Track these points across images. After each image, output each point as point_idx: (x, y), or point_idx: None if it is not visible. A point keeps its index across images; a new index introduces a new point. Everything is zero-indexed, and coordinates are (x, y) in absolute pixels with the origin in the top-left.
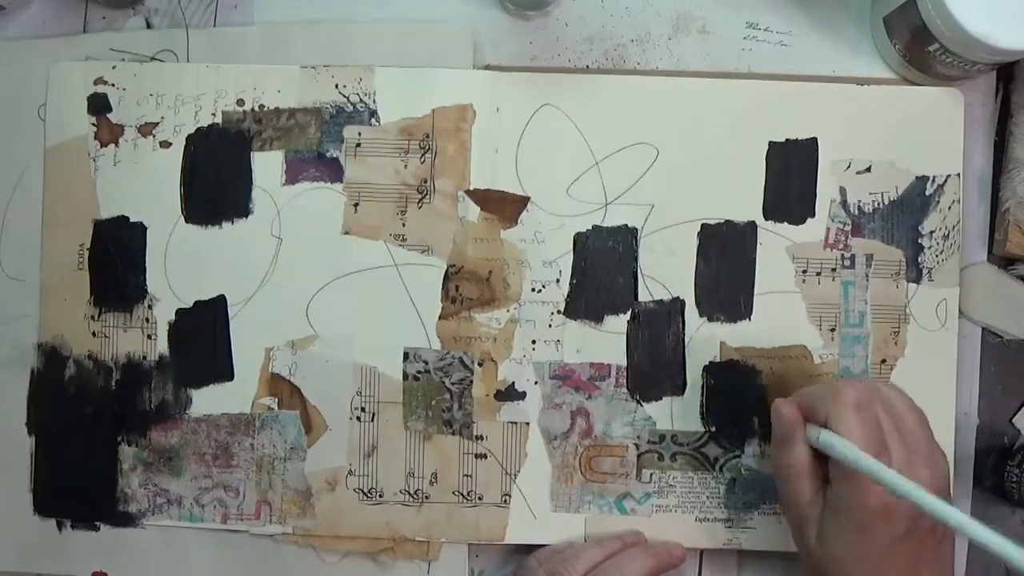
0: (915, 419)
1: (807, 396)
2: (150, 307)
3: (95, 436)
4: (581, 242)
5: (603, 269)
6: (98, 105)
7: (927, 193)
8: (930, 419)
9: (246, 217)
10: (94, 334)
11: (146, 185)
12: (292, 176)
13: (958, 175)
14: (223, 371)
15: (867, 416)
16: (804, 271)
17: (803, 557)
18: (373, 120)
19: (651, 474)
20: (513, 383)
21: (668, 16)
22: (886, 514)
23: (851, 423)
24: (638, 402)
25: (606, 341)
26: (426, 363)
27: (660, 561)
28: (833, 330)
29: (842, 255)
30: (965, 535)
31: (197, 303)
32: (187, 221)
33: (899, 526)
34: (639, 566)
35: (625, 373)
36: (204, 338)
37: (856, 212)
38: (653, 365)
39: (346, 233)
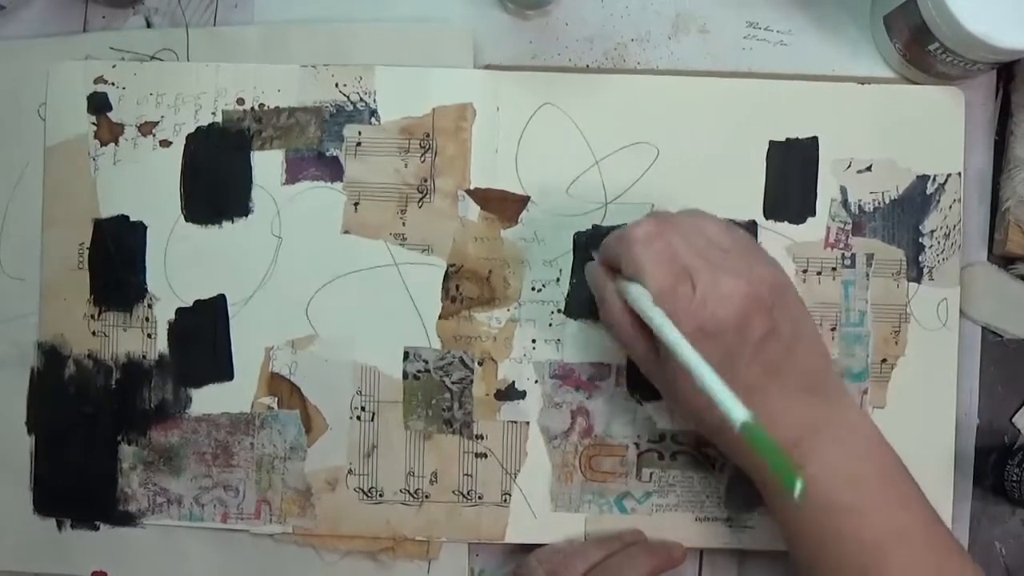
0: (723, 234)
1: (603, 248)
2: (150, 306)
3: (95, 435)
4: (581, 242)
5: None
6: (98, 104)
7: (928, 192)
8: (931, 418)
9: (246, 216)
10: (94, 333)
11: (146, 184)
12: (292, 175)
13: (959, 174)
14: (223, 370)
15: (658, 249)
16: (804, 270)
17: (659, 387)
18: (373, 119)
19: (651, 473)
20: (513, 382)
21: (668, 16)
22: (704, 333)
23: (641, 261)
24: (638, 401)
25: (606, 340)
26: (426, 362)
27: (660, 561)
28: (834, 329)
29: (842, 254)
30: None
31: (197, 302)
32: (187, 220)
33: (726, 338)
34: (639, 565)
35: (625, 372)
36: (204, 337)
37: (857, 211)
38: None
39: (346, 232)
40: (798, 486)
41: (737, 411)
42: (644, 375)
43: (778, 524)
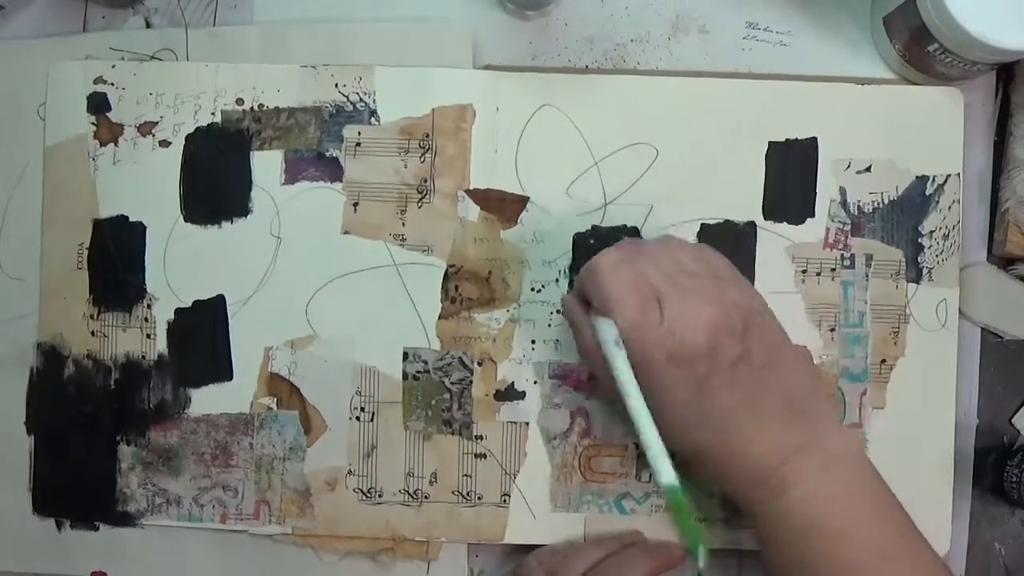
0: (694, 259)
1: (577, 279)
2: (149, 306)
3: (94, 436)
4: (581, 242)
5: None
6: (98, 104)
7: (927, 193)
8: (930, 419)
9: (245, 216)
10: (93, 333)
11: (145, 184)
12: (292, 175)
13: (958, 175)
14: (222, 371)
15: (625, 277)
16: (804, 271)
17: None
18: (373, 119)
19: (651, 474)
20: (512, 383)
21: (668, 16)
22: (675, 361)
23: (608, 290)
24: None
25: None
26: (426, 363)
27: (659, 561)
28: (833, 330)
29: (842, 255)
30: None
31: (196, 303)
32: (186, 220)
33: (697, 364)
34: (638, 566)
35: None
36: (203, 338)
37: (856, 212)
38: None
39: (346, 233)
40: (701, 557)
41: (664, 475)
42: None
43: (760, 546)
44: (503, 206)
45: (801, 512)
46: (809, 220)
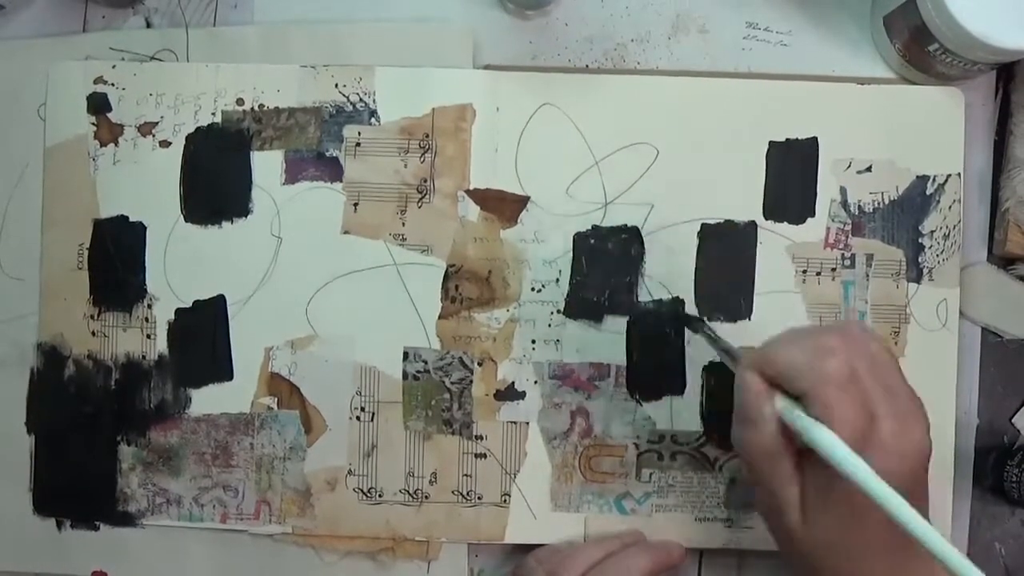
0: (895, 368)
1: (777, 363)
2: (149, 307)
3: (95, 436)
4: (581, 242)
5: (603, 269)
6: (98, 104)
7: (927, 193)
8: (930, 419)
9: (246, 217)
10: (94, 333)
11: (146, 185)
12: (292, 175)
13: (959, 175)
14: (222, 371)
15: (853, 392)
16: (804, 271)
17: (782, 542)
18: (373, 120)
19: (651, 474)
20: (513, 383)
21: (668, 16)
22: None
23: (834, 404)
24: (638, 402)
25: (606, 341)
26: (426, 363)
27: (659, 561)
28: None
29: (842, 255)
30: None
31: (197, 303)
32: (187, 221)
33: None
34: (638, 565)
35: (625, 373)
36: (203, 338)
37: (856, 212)
38: (653, 365)
39: (346, 233)
40: None
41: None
42: (763, 506)
43: None
44: (503, 206)
45: None
46: (809, 220)
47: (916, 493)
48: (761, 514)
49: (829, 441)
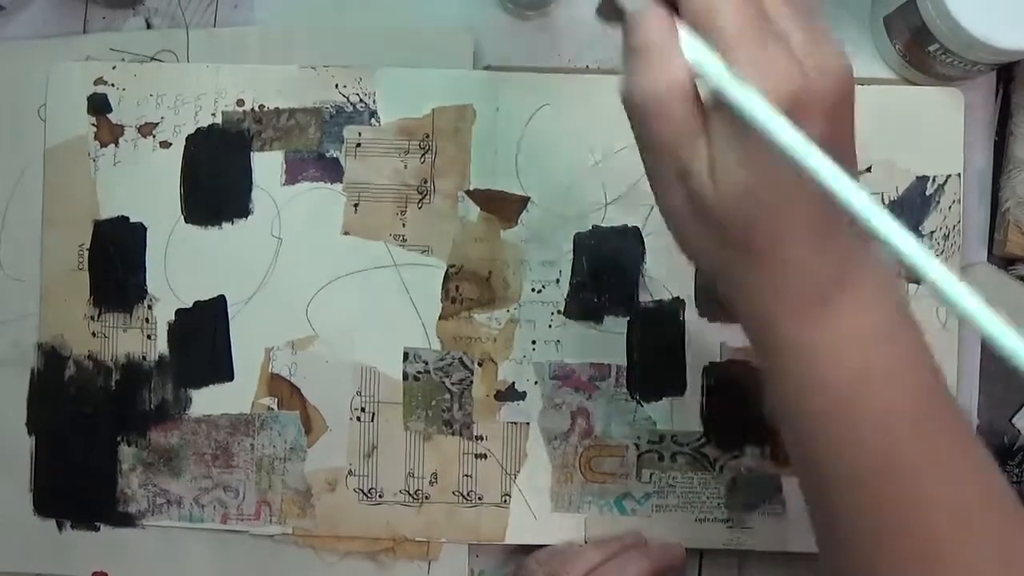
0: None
1: None
2: (150, 307)
3: (95, 436)
4: (581, 242)
5: (603, 269)
6: (98, 105)
7: (927, 193)
8: None
9: (246, 217)
10: (94, 334)
11: (146, 185)
12: (292, 176)
13: (958, 175)
14: (223, 371)
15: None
16: None
17: (688, 223)
18: (373, 120)
19: (651, 474)
20: (513, 383)
21: None
22: (801, 109)
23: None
24: (638, 402)
25: (606, 341)
26: (426, 363)
27: (660, 562)
28: None
29: None
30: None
31: (197, 303)
32: (187, 221)
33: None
34: (639, 568)
35: (625, 373)
36: (204, 338)
37: None
38: (653, 365)
39: (346, 233)
40: None
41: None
42: (659, 197)
43: (789, 426)
44: (503, 206)
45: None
46: None
47: (842, 135)
48: (659, 196)
49: (739, 85)
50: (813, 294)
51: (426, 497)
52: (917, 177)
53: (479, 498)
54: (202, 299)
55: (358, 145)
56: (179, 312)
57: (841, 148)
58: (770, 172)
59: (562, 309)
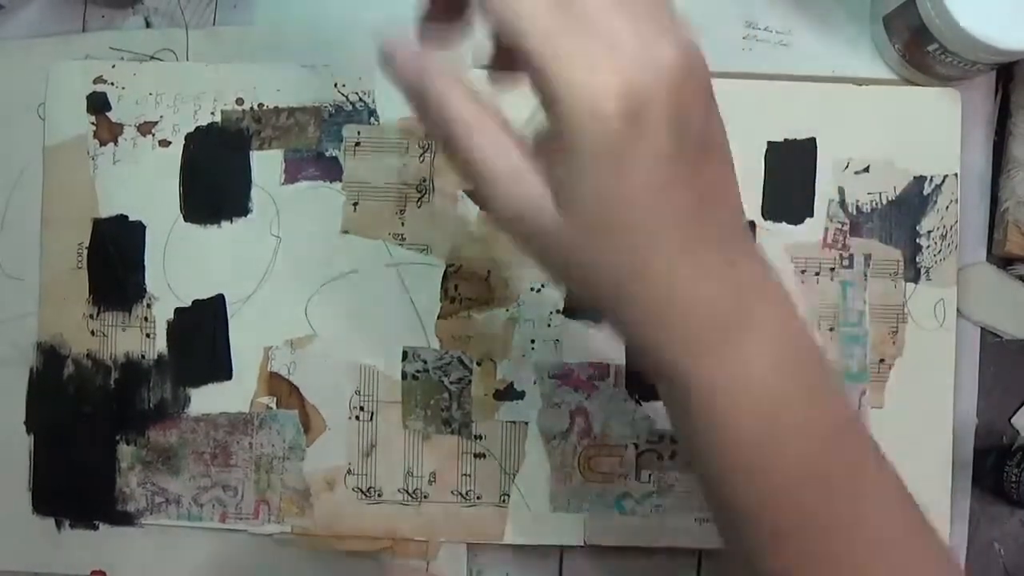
0: None
1: None
2: (149, 306)
3: (94, 435)
4: None
5: None
6: (97, 104)
7: (925, 193)
8: (929, 419)
9: (245, 216)
10: (93, 333)
11: (145, 184)
12: (291, 175)
13: (956, 175)
14: (222, 370)
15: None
16: (803, 271)
17: (550, 257)
18: (372, 119)
19: (650, 474)
20: (512, 383)
21: None
22: (631, 118)
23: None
24: (637, 402)
25: (606, 341)
26: (425, 362)
27: None
28: (832, 329)
29: (840, 255)
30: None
31: (196, 302)
32: (186, 220)
33: (659, 137)
34: None
35: (624, 373)
36: (203, 337)
37: (854, 212)
38: None
39: (345, 232)
40: None
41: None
42: (526, 249)
43: (694, 455)
44: None
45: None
46: (808, 220)
47: (695, 111)
48: (525, 248)
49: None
50: (710, 326)
51: (425, 496)
52: (915, 177)
53: (478, 497)
54: (201, 298)
55: (357, 144)
56: (178, 311)
57: (699, 124)
58: (614, 191)
59: (561, 309)
